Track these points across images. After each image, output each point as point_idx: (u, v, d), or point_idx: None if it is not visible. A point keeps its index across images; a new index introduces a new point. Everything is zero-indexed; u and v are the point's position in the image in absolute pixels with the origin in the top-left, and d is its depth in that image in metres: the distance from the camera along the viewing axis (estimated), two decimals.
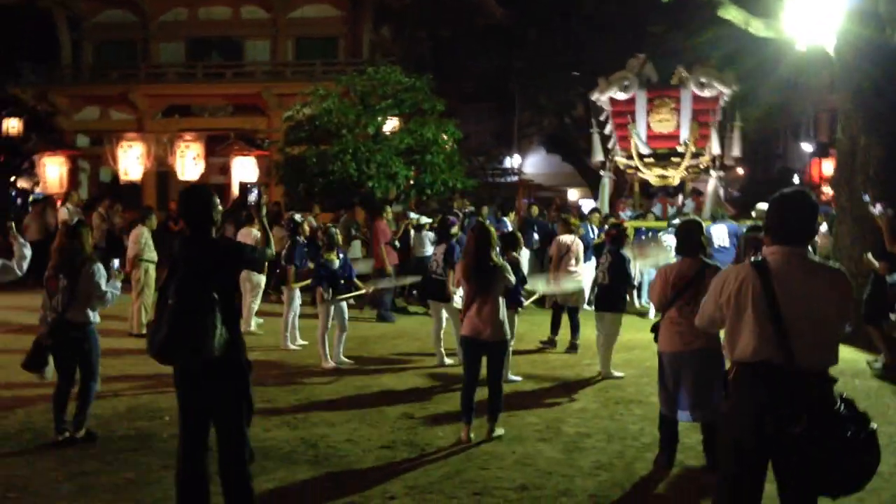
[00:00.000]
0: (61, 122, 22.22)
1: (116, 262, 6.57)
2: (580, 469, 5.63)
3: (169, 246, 13.99)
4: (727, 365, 3.64)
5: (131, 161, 19.71)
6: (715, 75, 15.84)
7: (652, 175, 16.33)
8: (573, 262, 10.52)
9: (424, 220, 14.50)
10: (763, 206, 12.83)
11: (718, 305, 3.55)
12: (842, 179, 11.13)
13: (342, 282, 9.38)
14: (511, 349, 8.19)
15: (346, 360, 9.35)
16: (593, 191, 27.62)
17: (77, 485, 5.28)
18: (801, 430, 3.18)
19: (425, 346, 10.16)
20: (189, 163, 19.49)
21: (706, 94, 15.72)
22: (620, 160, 16.56)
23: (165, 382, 8.02)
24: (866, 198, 9.84)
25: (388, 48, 24.10)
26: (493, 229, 6.75)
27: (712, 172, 16.11)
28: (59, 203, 17.22)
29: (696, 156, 15.99)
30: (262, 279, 11.24)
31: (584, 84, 25.14)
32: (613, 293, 8.59)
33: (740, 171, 29.39)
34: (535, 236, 15.15)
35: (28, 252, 5.76)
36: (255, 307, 11.42)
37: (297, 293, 10.41)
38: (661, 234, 13.28)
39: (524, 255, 12.98)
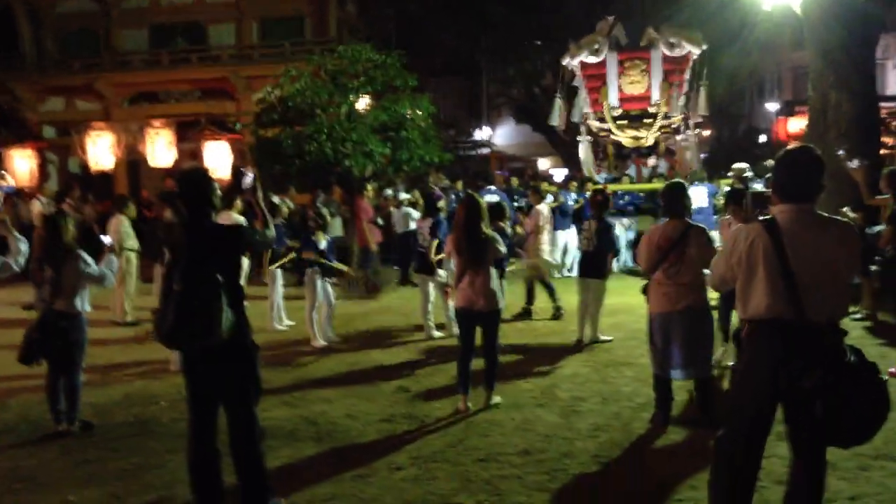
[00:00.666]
0: (27, 114, 21.86)
1: (108, 239, 6.55)
2: (579, 432, 5.75)
3: (147, 234, 13.97)
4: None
5: (101, 150, 19.44)
6: (684, 35, 15.92)
7: (625, 137, 16.42)
8: (545, 232, 10.63)
9: (404, 196, 14.55)
10: (740, 165, 13.04)
11: (730, 265, 3.62)
12: (814, 135, 11.31)
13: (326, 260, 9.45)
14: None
15: (334, 337, 9.43)
16: (564, 159, 27.80)
17: (84, 473, 5.31)
18: (814, 382, 3.27)
19: (412, 321, 10.24)
20: (160, 150, 19.27)
21: (676, 53, 15.80)
22: (593, 123, 16.62)
23: (156, 369, 8.09)
24: (841, 153, 10.02)
25: (355, 25, 23.92)
26: (482, 201, 6.80)
27: (689, 133, 16.23)
28: (28, 196, 17.01)
29: (667, 116, 16.13)
30: (245, 262, 11.20)
31: (550, 52, 25.19)
32: (599, 260, 8.61)
33: (706, 132, 29.63)
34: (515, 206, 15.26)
35: (24, 247, 5.72)
36: None
37: (279, 274, 10.41)
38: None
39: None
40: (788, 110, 27.62)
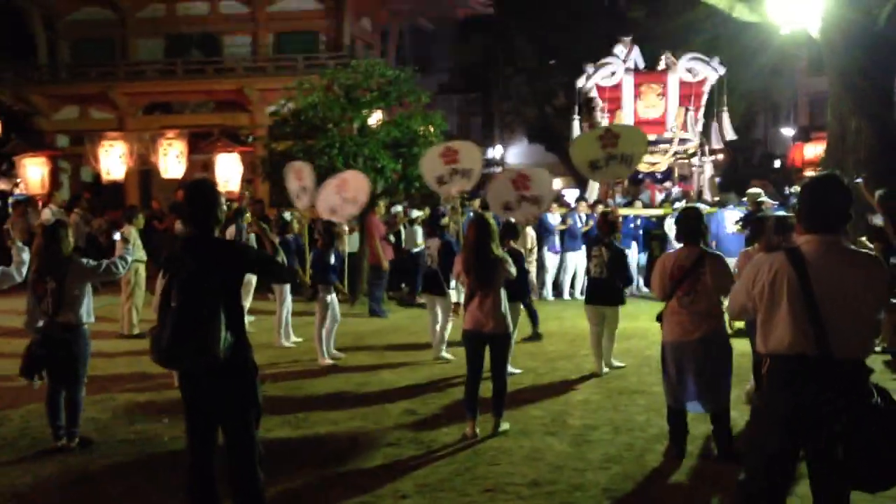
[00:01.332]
0: (41, 123, 21.89)
1: (118, 235, 6.48)
2: (590, 462, 5.58)
3: (156, 245, 13.89)
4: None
5: (113, 160, 19.41)
6: (701, 60, 15.82)
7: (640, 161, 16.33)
8: (532, 255, 10.50)
9: (416, 213, 14.44)
10: (754, 190, 12.87)
11: (751, 296, 3.47)
12: (832, 161, 11.14)
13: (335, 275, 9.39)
14: (513, 342, 8.17)
15: (337, 353, 9.31)
16: (576, 180, 27.67)
17: (82, 492, 5.19)
18: (838, 424, 3.12)
19: (421, 341, 10.11)
20: (172, 160, 19.24)
21: (693, 78, 15.71)
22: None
23: (160, 384, 7.96)
24: (859, 180, 9.85)
25: (369, 41, 23.92)
26: (493, 220, 6.67)
27: (704, 158, 16.10)
28: (40, 204, 16.98)
29: (683, 141, 15.98)
30: (253, 277, 11.12)
31: (564, 73, 25.16)
32: (611, 287, 8.33)
33: (721, 156, 29.52)
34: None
35: (26, 257, 5.63)
36: (247, 305, 11.30)
37: (287, 289, 10.31)
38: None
39: None
40: (805, 136, 27.56)
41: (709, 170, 15.96)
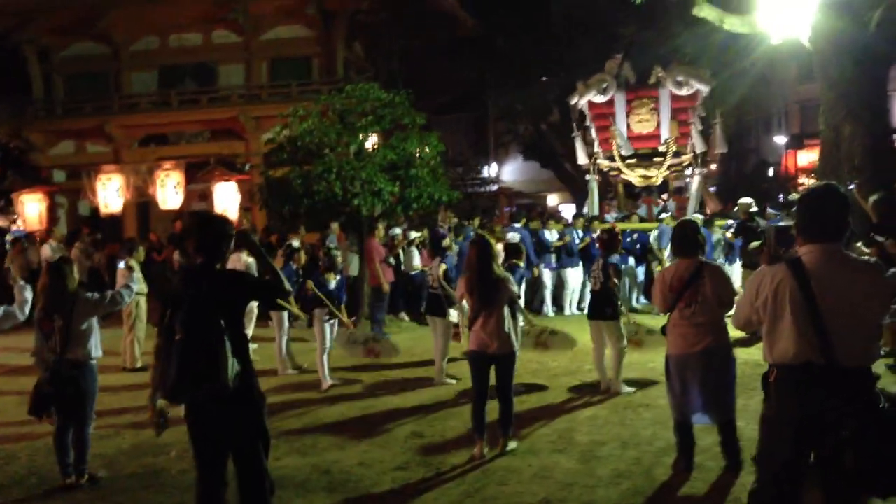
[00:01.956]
0: (37, 158, 21.98)
1: (122, 264, 6.50)
2: (600, 479, 5.59)
3: (156, 277, 13.89)
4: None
5: (111, 193, 19.50)
6: (692, 73, 15.98)
7: (635, 176, 16.40)
8: None
9: (414, 235, 14.47)
10: (745, 200, 12.95)
11: (755, 308, 3.51)
12: (827, 169, 11.21)
13: (336, 301, 9.38)
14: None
15: (332, 379, 9.28)
16: (573, 195, 27.76)
17: None
18: (846, 431, 3.14)
19: (424, 362, 10.11)
20: (170, 191, 19.31)
21: (684, 92, 15.87)
22: (603, 162, 16.62)
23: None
24: (852, 186, 9.91)
25: (362, 65, 24.06)
26: (493, 241, 6.70)
27: (696, 171, 16.19)
28: (38, 240, 17.01)
29: (677, 154, 16.08)
30: (254, 304, 11.12)
31: (558, 89, 25.28)
32: (606, 299, 8.21)
33: (714, 166, 29.65)
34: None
35: (29, 295, 5.64)
36: (249, 333, 11.29)
37: (286, 316, 10.29)
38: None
39: None
40: (797, 143, 27.71)
41: (696, 182, 16.13)
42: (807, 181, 21.55)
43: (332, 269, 9.34)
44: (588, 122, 16.64)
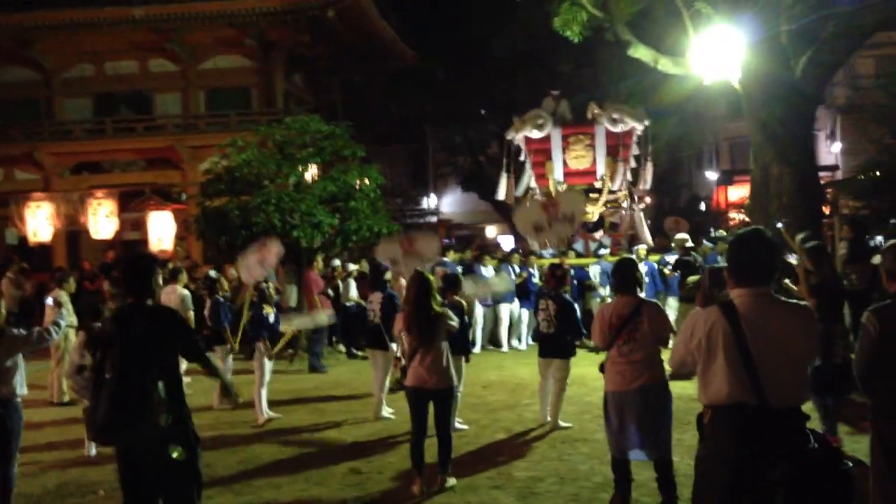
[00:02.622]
0: None
1: (50, 300, 6.34)
2: None
3: (88, 307, 13.54)
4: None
5: (40, 222, 18.96)
6: (627, 111, 16.18)
7: None
8: None
9: (352, 267, 14.40)
10: (681, 235, 13.24)
11: (690, 350, 3.58)
12: (757, 207, 11.56)
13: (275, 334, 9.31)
14: (458, 396, 8.16)
15: (270, 413, 9.13)
16: (511, 228, 28.03)
17: None
18: (780, 473, 3.22)
19: (363, 395, 10.03)
20: (102, 221, 18.86)
21: (619, 129, 16.00)
22: (539, 198, 16.69)
23: (94, 454, 7.71)
24: (780, 225, 10.24)
25: (302, 96, 24.02)
26: (432, 276, 6.72)
27: (634, 206, 16.35)
28: None
29: (612, 191, 16.23)
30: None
31: (496, 122, 25.62)
32: (560, 340, 8.19)
33: (647, 200, 30.20)
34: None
35: None
36: (184, 366, 11.06)
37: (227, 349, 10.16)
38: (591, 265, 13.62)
39: None
40: (727, 179, 28.52)
41: (634, 217, 16.29)
42: (737, 216, 22.15)
43: (266, 301, 9.20)
44: (523, 158, 16.70)
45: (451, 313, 6.59)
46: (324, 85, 25.89)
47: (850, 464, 3.39)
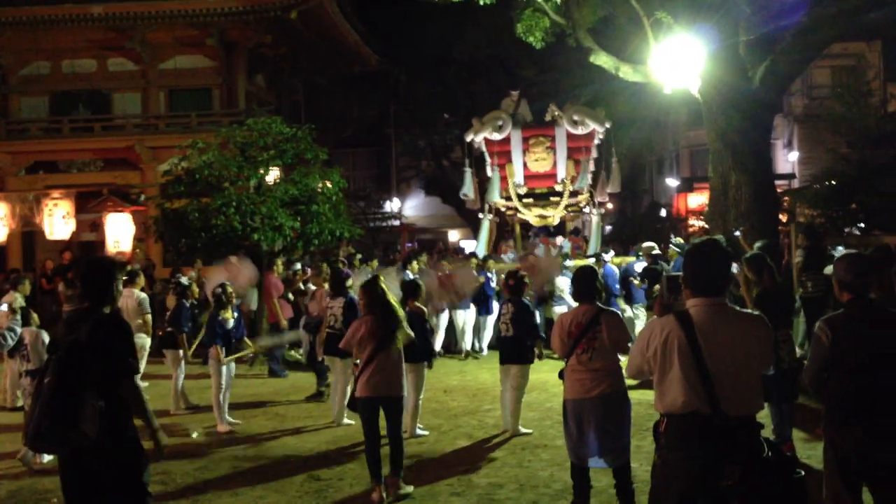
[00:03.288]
0: None
1: (4, 306, 6.23)
2: None
3: (45, 307, 13.30)
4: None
5: None
6: (587, 113, 16.02)
7: (531, 215, 16.27)
8: None
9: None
10: (648, 244, 13.20)
11: (646, 359, 3.63)
12: (715, 214, 11.70)
13: (234, 341, 9.18)
14: (420, 403, 8.16)
15: (231, 419, 9.04)
16: (474, 232, 28.11)
17: None
18: (734, 481, 3.26)
19: (322, 402, 9.97)
20: (58, 221, 18.52)
21: (580, 131, 15.82)
22: (499, 201, 16.43)
23: (48, 460, 7.56)
24: (737, 233, 10.38)
25: (264, 97, 23.84)
26: (386, 284, 6.66)
27: (593, 210, 16.25)
28: None
29: (574, 194, 16.05)
30: (147, 341, 10.78)
31: (459, 126, 25.67)
32: (519, 344, 8.21)
33: (610, 206, 30.38)
34: None
35: None
36: (141, 369, 10.92)
37: (181, 353, 10.06)
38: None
39: None
40: (687, 186, 28.86)
41: (595, 221, 16.17)
42: (697, 223, 22.42)
43: (224, 306, 9.06)
44: (486, 159, 16.46)
45: (405, 322, 6.57)
46: (286, 86, 25.77)
47: (803, 472, 3.45)
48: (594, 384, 5.48)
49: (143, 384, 10.84)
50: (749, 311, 3.74)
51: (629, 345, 5.63)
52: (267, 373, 12.43)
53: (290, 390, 11.16)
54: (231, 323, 9.00)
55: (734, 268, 7.95)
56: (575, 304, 6.05)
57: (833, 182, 16.82)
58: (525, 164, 16.20)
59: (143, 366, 10.91)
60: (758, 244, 9.07)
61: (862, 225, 15.59)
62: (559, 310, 12.04)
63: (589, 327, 5.58)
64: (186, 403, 10.04)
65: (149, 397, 9.84)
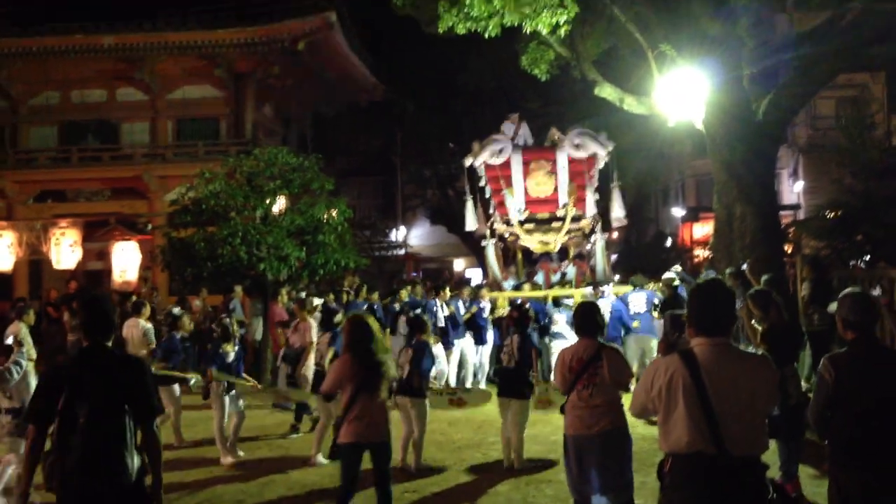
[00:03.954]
0: None
1: (10, 340, 6.24)
2: None
3: (51, 336, 13.27)
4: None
5: (1, 250, 18.66)
6: (589, 136, 15.28)
7: (532, 241, 15.56)
8: (313, 350, 10.38)
9: (317, 301, 14.31)
10: (669, 275, 12.96)
11: (651, 398, 3.63)
12: (720, 246, 11.70)
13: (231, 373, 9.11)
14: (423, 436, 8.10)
15: (239, 453, 9.00)
16: (479, 260, 28.13)
17: None
18: None
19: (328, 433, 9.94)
20: (65, 250, 18.58)
21: (581, 154, 15.20)
22: (500, 227, 15.74)
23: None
24: (744, 267, 10.35)
25: (272, 127, 24.01)
26: (373, 320, 6.28)
27: (597, 237, 15.53)
28: None
29: (576, 219, 15.38)
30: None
31: (464, 156, 25.73)
32: (520, 377, 8.19)
33: (615, 234, 30.26)
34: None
35: None
36: None
37: (177, 388, 9.97)
38: (553, 312, 12.76)
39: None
40: (693, 216, 28.89)
41: (601, 247, 15.48)
42: (702, 253, 22.39)
43: (228, 339, 9.07)
44: (484, 185, 15.84)
45: (390, 363, 6.18)
46: (294, 116, 25.94)
47: None
48: (595, 420, 5.45)
49: None
50: (753, 350, 3.74)
51: (631, 382, 5.65)
52: (271, 404, 12.39)
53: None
54: (231, 357, 8.99)
55: (737, 302, 7.93)
56: (573, 339, 6.01)
57: (838, 213, 16.78)
58: (526, 189, 15.53)
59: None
60: (765, 278, 9.06)
61: (868, 257, 15.54)
62: (557, 344, 11.78)
63: (590, 363, 5.57)
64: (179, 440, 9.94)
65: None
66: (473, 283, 17.38)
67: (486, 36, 11.46)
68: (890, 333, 9.45)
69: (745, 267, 10.11)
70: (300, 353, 10.27)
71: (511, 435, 8.15)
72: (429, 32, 13.22)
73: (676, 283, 12.04)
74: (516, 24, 10.99)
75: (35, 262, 20.17)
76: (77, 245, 18.73)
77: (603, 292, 12.61)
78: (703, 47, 11.20)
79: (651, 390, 3.62)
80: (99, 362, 4.00)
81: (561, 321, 12.24)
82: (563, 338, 11.98)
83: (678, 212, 31.48)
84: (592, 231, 15.70)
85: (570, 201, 15.26)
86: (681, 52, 11.55)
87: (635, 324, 11.98)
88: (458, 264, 34.65)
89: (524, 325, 8.39)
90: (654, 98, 12.54)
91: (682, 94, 11.65)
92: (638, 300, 12.26)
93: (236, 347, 9.14)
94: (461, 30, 11.29)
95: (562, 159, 15.32)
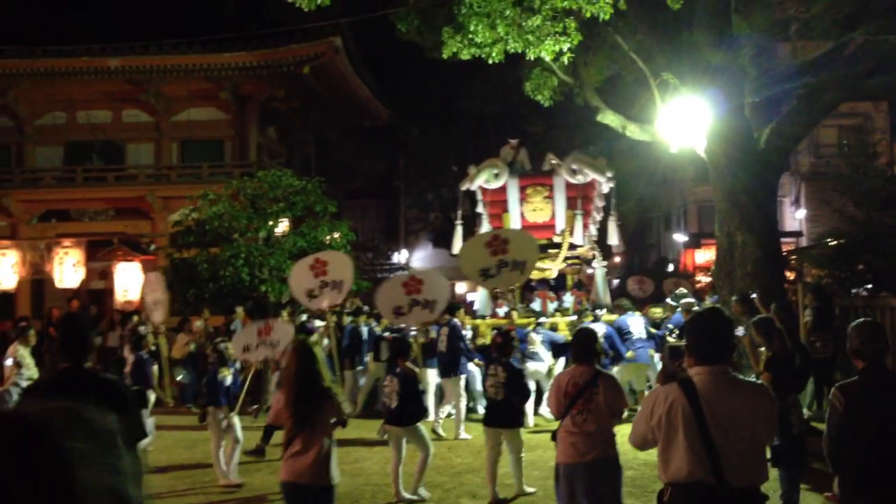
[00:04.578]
0: None
1: (10, 360, 6.24)
2: None
3: (53, 356, 13.25)
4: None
5: (4, 269, 18.72)
6: (587, 162, 15.02)
7: None
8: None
9: (318, 323, 14.31)
10: (688, 300, 12.81)
11: (650, 427, 3.63)
12: (722, 273, 11.69)
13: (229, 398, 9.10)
14: (429, 460, 8.01)
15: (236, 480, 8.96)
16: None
17: None
18: None
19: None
20: (68, 269, 18.64)
21: (579, 180, 14.91)
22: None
23: None
24: (754, 296, 10.29)
25: (276, 149, 24.14)
26: (318, 350, 5.62)
27: (596, 264, 15.42)
28: None
29: (574, 246, 15.03)
30: (152, 396, 10.76)
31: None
32: (509, 408, 7.88)
33: (617, 259, 30.20)
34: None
35: None
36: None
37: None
38: (530, 332, 12.30)
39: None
40: (695, 242, 28.94)
41: (600, 274, 15.31)
42: (704, 280, 22.38)
43: (224, 363, 9.06)
44: (480, 209, 15.50)
45: (336, 396, 5.53)
46: (297, 139, 26.08)
47: None
48: (587, 448, 5.43)
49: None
50: (753, 380, 3.75)
51: (624, 410, 5.66)
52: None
53: None
54: (229, 380, 8.99)
55: (739, 331, 7.94)
56: (548, 360, 5.97)
57: (840, 242, 16.79)
58: (522, 214, 15.23)
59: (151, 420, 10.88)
60: (773, 306, 9.06)
61: (870, 286, 15.55)
62: (532, 365, 11.53)
63: (586, 388, 5.55)
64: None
65: (152, 449, 9.87)
66: (475, 307, 17.19)
67: (490, 62, 11.54)
68: None
69: (754, 296, 10.08)
70: None
71: (510, 463, 8.01)
72: (433, 58, 13.30)
73: (696, 307, 11.76)
74: (520, 51, 11.06)
75: (38, 282, 20.21)
76: (80, 264, 18.79)
77: (597, 316, 12.56)
78: (705, 76, 11.25)
79: (651, 419, 3.62)
80: (79, 384, 3.98)
81: (537, 341, 12.08)
82: (540, 359, 11.81)
83: (680, 238, 31.54)
84: (593, 258, 15.51)
85: (567, 228, 14.98)
86: (683, 80, 11.61)
87: (629, 354, 11.89)
88: (460, 287, 34.65)
89: (508, 353, 8.08)
90: (657, 125, 12.58)
91: (684, 122, 11.67)
92: (637, 325, 12.20)
93: (232, 371, 9.12)
94: (465, 56, 11.36)
95: (559, 185, 15.08)
